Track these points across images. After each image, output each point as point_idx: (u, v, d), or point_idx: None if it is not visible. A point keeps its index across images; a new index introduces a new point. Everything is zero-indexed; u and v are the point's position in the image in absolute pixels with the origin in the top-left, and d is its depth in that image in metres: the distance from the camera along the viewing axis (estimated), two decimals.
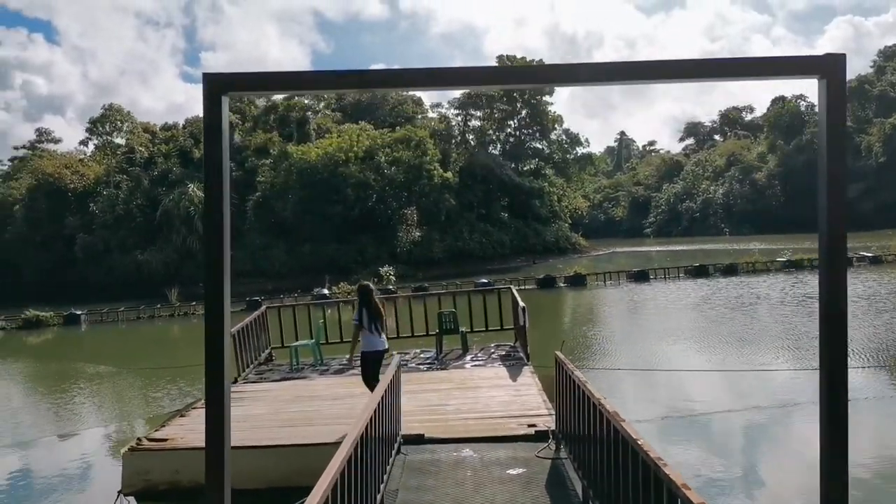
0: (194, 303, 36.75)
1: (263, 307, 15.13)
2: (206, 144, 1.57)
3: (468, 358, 13.76)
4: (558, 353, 7.84)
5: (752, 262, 40.66)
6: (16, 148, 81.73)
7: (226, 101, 1.56)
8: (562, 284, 38.85)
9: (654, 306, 29.11)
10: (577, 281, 38.86)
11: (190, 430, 9.21)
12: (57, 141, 76.99)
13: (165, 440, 8.72)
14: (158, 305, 37.33)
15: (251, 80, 1.61)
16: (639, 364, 16.91)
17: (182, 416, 10.20)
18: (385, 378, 7.06)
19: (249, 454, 8.24)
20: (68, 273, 53.61)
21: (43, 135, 77.01)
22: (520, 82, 1.88)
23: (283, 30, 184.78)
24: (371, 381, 9.05)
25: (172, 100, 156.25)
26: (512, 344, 14.69)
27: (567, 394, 7.10)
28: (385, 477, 6.62)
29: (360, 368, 9.60)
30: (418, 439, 8.25)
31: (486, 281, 35.55)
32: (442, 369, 12.93)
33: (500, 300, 15.79)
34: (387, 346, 9.65)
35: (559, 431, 7.72)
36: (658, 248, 69.62)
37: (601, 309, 30.79)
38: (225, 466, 1.60)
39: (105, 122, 62.17)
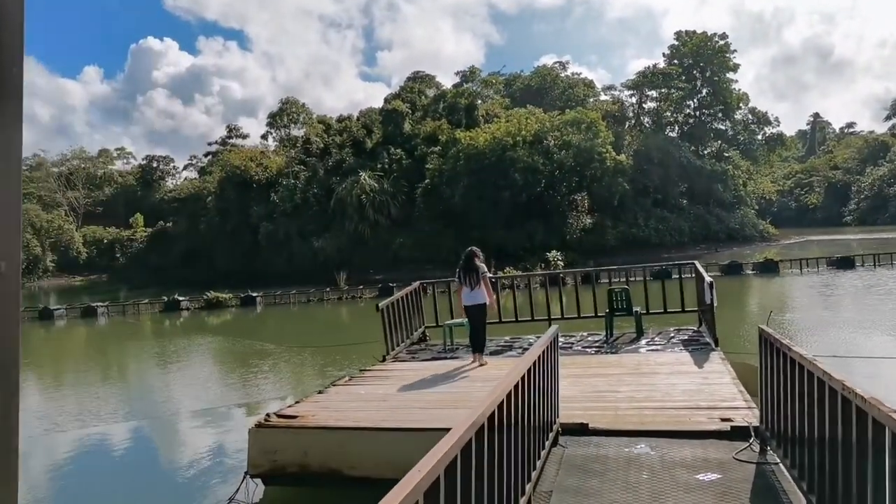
0: (361, 286, 38.16)
1: (416, 284, 14.08)
2: None
3: (643, 342, 11.96)
4: (764, 326, 5.99)
5: None
6: (210, 144, 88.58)
7: None
8: (749, 271, 35.28)
9: (883, 291, 25.04)
10: (768, 268, 35.12)
11: (323, 409, 8.32)
12: (245, 136, 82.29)
13: (295, 417, 7.83)
14: (328, 289, 38.44)
15: None
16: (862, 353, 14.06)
17: (319, 392, 9.36)
18: (532, 351, 5.59)
19: (382, 436, 7.15)
20: (255, 260, 56.84)
21: (233, 131, 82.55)
22: None
23: (457, 24, 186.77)
24: (472, 332, 10.83)
25: (352, 98, 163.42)
26: (695, 328, 12.73)
27: (780, 378, 5.29)
28: (534, 474, 5.18)
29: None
30: (581, 429, 6.76)
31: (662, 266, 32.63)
32: (612, 353, 11.26)
33: (681, 280, 13.81)
34: (480, 302, 10.59)
35: (766, 428, 5.90)
36: (861, 237, 62.18)
37: (801, 295, 27.07)
38: None
39: (283, 115, 65.19)
